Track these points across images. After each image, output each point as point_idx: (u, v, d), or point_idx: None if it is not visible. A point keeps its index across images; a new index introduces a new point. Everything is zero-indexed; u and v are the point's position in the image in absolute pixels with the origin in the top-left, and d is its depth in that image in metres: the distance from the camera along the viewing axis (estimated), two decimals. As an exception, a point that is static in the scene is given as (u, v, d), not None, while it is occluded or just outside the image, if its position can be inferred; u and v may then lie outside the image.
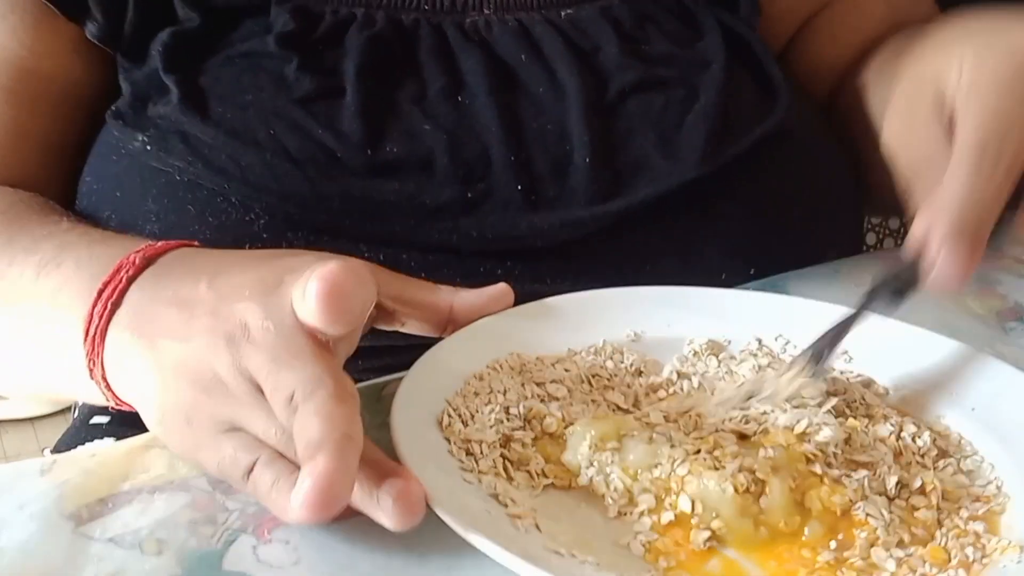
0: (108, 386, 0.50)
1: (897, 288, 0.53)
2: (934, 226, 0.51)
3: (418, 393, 0.49)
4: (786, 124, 0.68)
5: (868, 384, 0.55)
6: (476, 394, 0.50)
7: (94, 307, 0.49)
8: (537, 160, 0.64)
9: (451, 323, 0.53)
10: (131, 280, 0.50)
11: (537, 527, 0.43)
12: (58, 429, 0.79)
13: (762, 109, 0.68)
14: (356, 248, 0.60)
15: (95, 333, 0.49)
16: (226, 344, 0.44)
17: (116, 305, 0.49)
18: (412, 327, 0.53)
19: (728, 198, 0.66)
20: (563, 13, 0.69)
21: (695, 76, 0.68)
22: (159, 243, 0.52)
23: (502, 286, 0.54)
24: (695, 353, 0.57)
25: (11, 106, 0.67)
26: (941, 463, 0.49)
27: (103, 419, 0.75)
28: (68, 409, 0.82)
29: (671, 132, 0.65)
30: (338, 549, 0.44)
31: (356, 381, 0.44)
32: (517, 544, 0.40)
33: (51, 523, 0.45)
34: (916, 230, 0.52)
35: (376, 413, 0.52)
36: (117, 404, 0.51)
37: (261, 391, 0.43)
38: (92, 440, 0.73)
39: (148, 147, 0.62)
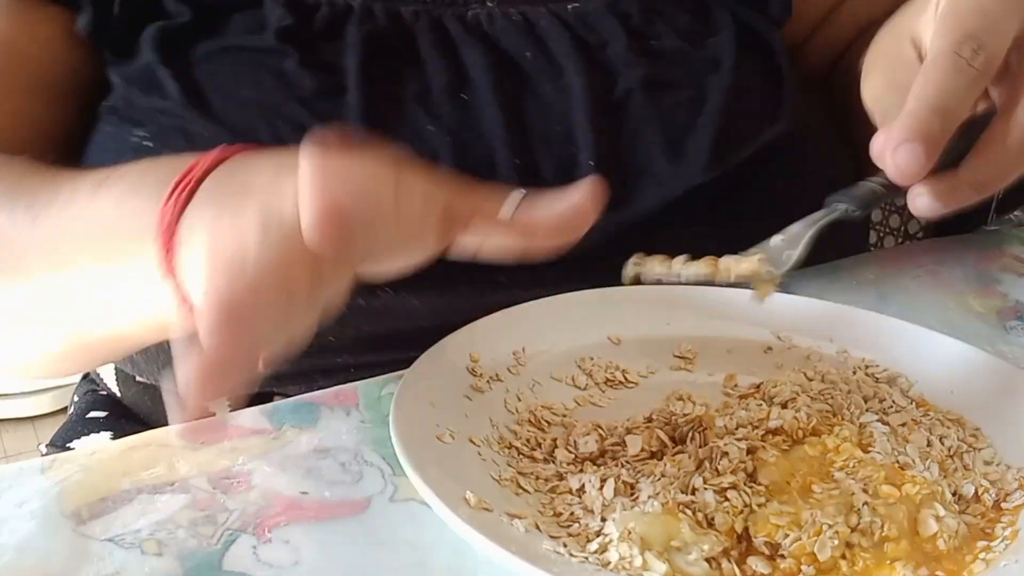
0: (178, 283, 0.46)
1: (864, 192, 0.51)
2: (894, 127, 0.46)
3: (418, 392, 0.48)
4: (794, 126, 0.66)
5: (894, 379, 0.55)
6: (470, 396, 0.50)
7: (169, 199, 0.46)
8: (543, 163, 0.62)
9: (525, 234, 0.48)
10: (207, 172, 0.46)
11: (537, 527, 0.43)
12: (58, 428, 0.79)
13: (770, 111, 0.67)
14: None
15: (171, 220, 0.45)
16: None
17: (191, 195, 0.46)
18: (489, 250, 0.48)
19: (735, 201, 0.65)
20: (569, 7, 0.68)
21: (703, 75, 0.66)
22: (232, 145, 0.48)
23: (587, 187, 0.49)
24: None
25: (8, 91, 0.66)
26: (967, 457, 0.49)
27: (101, 413, 0.74)
28: (67, 408, 0.82)
29: (678, 134, 0.64)
30: (338, 549, 0.44)
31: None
32: (517, 544, 0.40)
33: (51, 522, 0.45)
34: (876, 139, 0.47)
35: (376, 413, 0.52)
36: (183, 303, 0.46)
37: None
38: (89, 434, 0.73)
39: (147, 143, 0.61)
